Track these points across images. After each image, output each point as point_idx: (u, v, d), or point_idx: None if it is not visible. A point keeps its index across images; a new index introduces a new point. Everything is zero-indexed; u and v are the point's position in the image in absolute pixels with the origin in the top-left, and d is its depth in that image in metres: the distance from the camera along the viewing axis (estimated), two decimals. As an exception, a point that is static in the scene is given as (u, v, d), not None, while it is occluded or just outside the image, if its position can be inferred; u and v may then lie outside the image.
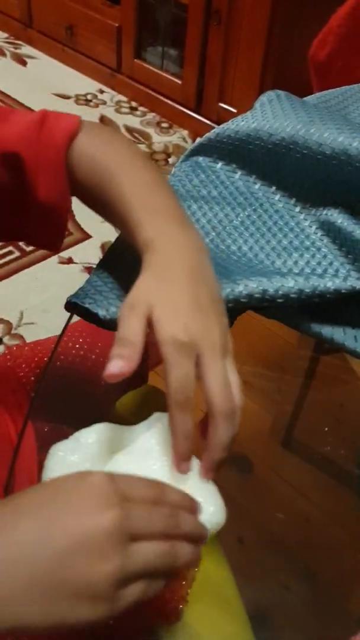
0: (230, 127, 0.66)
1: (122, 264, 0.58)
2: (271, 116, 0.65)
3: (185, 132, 2.28)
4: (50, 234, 0.61)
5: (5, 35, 2.71)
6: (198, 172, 0.67)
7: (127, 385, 0.82)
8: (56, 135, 0.55)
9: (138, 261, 0.49)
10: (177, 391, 0.42)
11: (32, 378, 0.78)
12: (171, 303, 0.45)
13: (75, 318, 0.59)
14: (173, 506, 0.40)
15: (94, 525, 0.35)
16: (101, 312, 0.53)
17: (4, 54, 2.60)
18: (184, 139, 2.26)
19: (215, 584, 0.66)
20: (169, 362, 0.43)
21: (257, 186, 0.66)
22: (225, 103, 2.11)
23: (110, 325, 0.55)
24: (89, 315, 0.56)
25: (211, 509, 0.44)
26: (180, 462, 0.44)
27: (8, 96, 2.37)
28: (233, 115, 2.22)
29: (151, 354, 0.45)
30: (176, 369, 0.42)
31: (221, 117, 2.13)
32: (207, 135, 0.69)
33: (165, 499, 0.40)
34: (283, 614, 0.75)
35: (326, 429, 0.89)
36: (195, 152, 0.70)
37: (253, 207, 0.64)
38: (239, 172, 0.67)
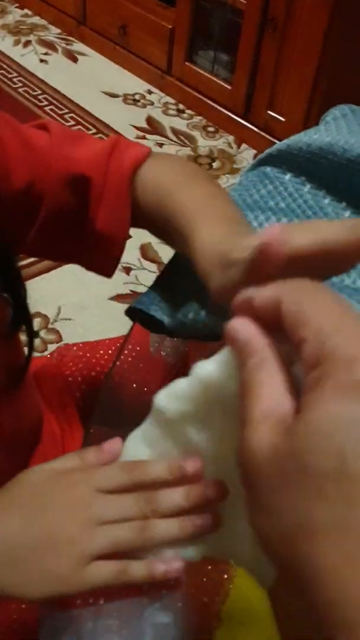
0: (303, 139, 0.65)
1: (185, 272, 0.57)
2: (346, 131, 0.64)
3: (231, 138, 2.26)
4: (104, 262, 0.60)
5: (58, 30, 2.73)
6: (265, 182, 0.66)
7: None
8: (124, 164, 0.55)
9: None
10: None
11: (79, 379, 0.78)
12: None
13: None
14: (153, 484, 0.40)
15: (69, 522, 0.41)
16: (166, 320, 0.53)
17: (55, 50, 2.62)
18: (229, 144, 2.24)
19: (248, 602, 0.65)
20: None
21: (326, 201, 0.64)
22: (273, 111, 2.09)
23: (172, 332, 0.54)
24: (147, 322, 0.55)
25: None
26: None
27: (57, 91, 2.38)
28: (280, 124, 2.22)
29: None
30: None
31: (268, 125, 2.12)
32: (276, 146, 0.68)
33: (144, 479, 0.40)
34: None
35: None
36: (263, 162, 0.68)
37: (322, 223, 0.63)
38: (308, 185, 0.65)
